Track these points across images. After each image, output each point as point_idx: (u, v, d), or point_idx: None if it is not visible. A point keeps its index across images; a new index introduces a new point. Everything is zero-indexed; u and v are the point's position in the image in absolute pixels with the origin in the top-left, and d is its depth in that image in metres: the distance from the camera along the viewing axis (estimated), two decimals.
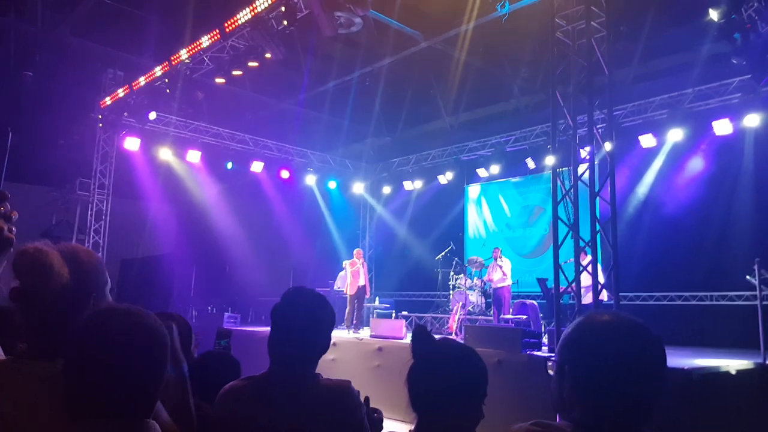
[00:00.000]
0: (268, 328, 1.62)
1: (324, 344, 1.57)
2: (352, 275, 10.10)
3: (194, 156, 11.79)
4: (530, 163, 11.80)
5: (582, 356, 1.05)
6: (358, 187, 14.89)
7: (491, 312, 10.86)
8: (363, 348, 8.11)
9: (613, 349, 1.02)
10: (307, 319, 1.54)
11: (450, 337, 1.37)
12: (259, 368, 1.58)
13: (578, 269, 6.85)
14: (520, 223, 12.57)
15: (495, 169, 12.40)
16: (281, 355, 1.52)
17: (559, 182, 6.92)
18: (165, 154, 11.74)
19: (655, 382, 1.02)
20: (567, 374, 1.06)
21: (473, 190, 13.59)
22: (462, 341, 7.60)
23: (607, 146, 6.92)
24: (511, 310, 9.77)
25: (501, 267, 9.84)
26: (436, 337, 1.40)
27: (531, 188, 12.43)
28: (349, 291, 10.05)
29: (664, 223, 9.85)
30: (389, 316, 11.19)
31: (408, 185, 14.01)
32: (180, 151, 11.83)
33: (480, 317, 10.68)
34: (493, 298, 10.19)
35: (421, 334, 1.30)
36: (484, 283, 11.17)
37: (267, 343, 1.54)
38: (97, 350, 0.98)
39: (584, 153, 7.03)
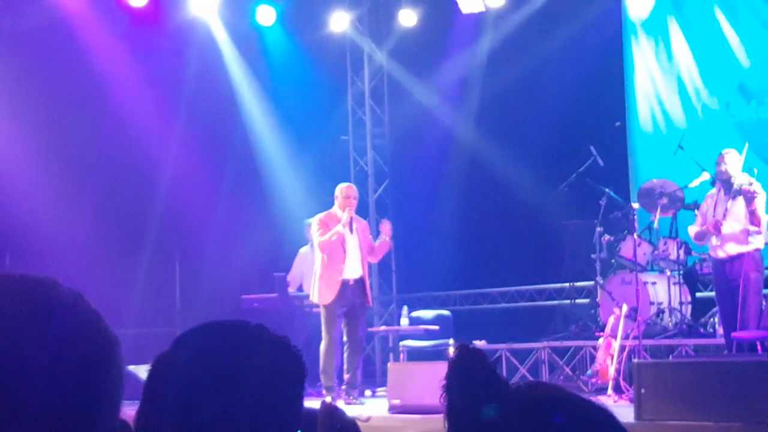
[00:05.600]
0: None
1: None
2: (329, 254, 10.38)
3: None
4: None
5: None
6: (339, 20, 15.05)
7: (708, 324, 11.09)
8: None
9: None
10: (246, 409, 1.76)
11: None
12: None
13: None
14: None
15: None
16: None
17: None
18: None
19: None
20: None
21: (645, 3, 13.72)
22: (631, 404, 7.96)
23: None
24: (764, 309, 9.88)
25: (752, 202, 9.72)
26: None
27: None
28: (321, 296, 10.38)
29: None
30: (439, 354, 11.52)
31: (469, 2, 14.11)
32: None
33: (677, 341, 10.93)
34: (717, 283, 10.32)
35: None
36: (686, 250, 11.37)
37: None
38: None
39: None
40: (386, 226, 10.74)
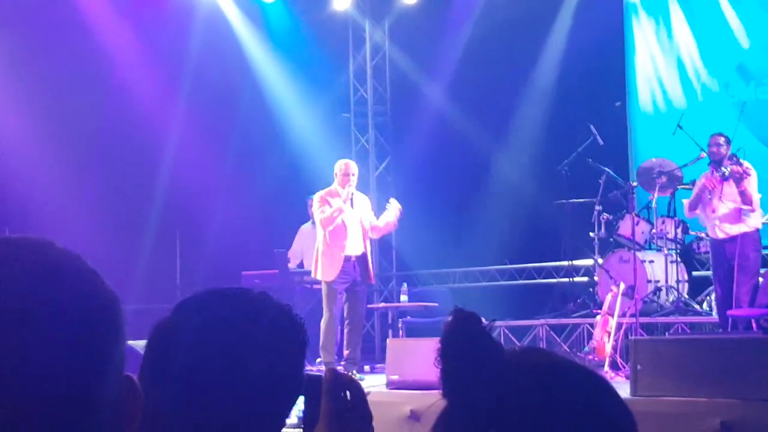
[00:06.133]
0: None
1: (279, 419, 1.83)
2: (331, 231, 10.36)
3: None
4: None
5: None
6: (342, 0, 15.06)
7: (705, 303, 11.10)
8: (375, 417, 8.43)
9: None
10: (249, 370, 1.77)
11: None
12: None
13: None
14: None
15: None
16: None
17: None
18: None
19: None
20: None
21: None
22: (627, 381, 7.96)
23: None
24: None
25: (741, 182, 9.84)
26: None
27: None
28: (324, 273, 10.36)
29: None
30: (438, 330, 11.36)
31: None
32: None
33: (673, 318, 10.92)
34: (715, 262, 10.37)
35: None
36: (684, 229, 11.43)
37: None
38: None
39: None
40: (394, 207, 10.63)
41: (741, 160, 9.96)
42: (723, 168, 9.89)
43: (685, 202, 10.68)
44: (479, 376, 1.41)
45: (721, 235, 10.05)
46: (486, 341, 1.47)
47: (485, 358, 1.44)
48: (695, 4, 13.20)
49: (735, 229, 9.93)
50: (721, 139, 10.15)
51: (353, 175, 10.47)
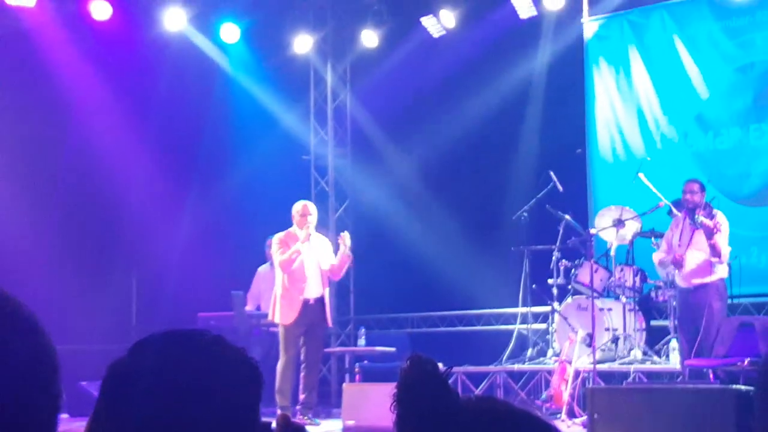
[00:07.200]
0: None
1: None
2: (290, 274, 10.36)
3: None
4: None
5: None
6: (302, 42, 15.11)
7: (662, 351, 11.13)
8: None
9: None
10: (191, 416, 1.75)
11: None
12: None
13: None
14: (732, 113, 12.80)
15: None
16: None
17: None
18: None
19: None
20: None
21: (607, 32, 13.86)
22: (584, 429, 8.03)
23: None
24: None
25: (712, 236, 9.88)
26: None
27: (763, 20, 12.52)
28: (282, 316, 10.34)
29: None
30: (395, 375, 11.37)
31: (429, 23, 14.33)
32: None
33: (633, 367, 10.93)
34: (681, 311, 10.45)
35: None
36: (642, 277, 11.48)
37: None
38: None
39: None
40: (345, 238, 10.60)
41: (714, 210, 10.05)
42: (696, 217, 9.94)
43: (656, 257, 10.72)
44: (434, 422, 1.43)
45: (686, 284, 10.12)
46: (442, 388, 1.50)
47: (441, 404, 1.46)
48: (655, 54, 13.32)
49: (700, 279, 10.01)
50: (696, 186, 10.16)
51: (311, 215, 10.50)
